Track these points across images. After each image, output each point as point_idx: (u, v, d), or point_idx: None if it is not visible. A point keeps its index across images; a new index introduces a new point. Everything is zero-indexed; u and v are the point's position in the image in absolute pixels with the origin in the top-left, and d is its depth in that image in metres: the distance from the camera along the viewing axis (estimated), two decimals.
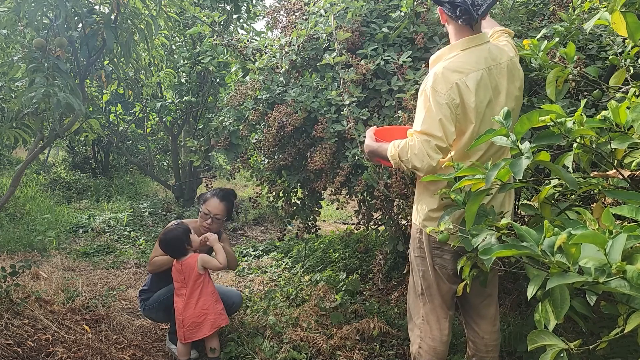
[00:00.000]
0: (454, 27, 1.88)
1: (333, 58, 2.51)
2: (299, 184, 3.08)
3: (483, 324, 2.12)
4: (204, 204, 2.88)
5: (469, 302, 2.12)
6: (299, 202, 3.22)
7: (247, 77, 3.13)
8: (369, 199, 3.05)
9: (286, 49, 2.86)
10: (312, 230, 3.35)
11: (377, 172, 2.45)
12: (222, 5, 5.80)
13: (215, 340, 2.73)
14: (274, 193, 3.12)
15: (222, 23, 5.25)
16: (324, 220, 6.68)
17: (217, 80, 6.16)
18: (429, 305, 2.03)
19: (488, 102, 1.81)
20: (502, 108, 1.79)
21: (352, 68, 2.50)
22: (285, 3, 3.13)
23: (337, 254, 4.20)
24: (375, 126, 2.16)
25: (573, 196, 1.77)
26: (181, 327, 2.65)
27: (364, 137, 2.13)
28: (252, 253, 5.02)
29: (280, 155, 2.90)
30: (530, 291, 1.33)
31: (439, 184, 1.85)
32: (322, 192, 2.98)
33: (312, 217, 3.26)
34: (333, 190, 2.82)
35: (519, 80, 1.92)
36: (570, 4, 2.39)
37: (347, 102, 2.42)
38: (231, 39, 3.43)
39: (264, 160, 3.11)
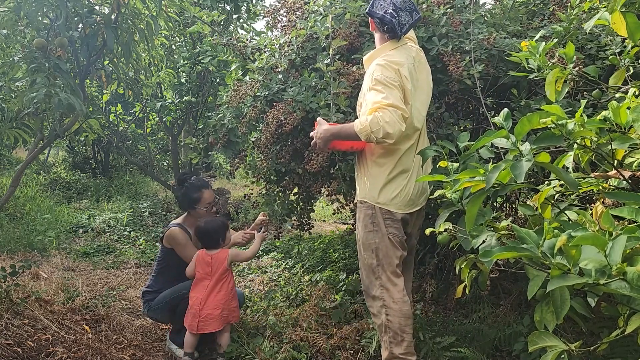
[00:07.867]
0: (380, 35, 2.24)
1: (326, 66, 2.51)
2: (295, 183, 3.09)
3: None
4: (199, 202, 2.90)
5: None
6: (294, 199, 3.23)
7: (247, 77, 3.12)
8: None
9: (285, 49, 2.86)
10: (306, 228, 3.36)
11: None
12: (222, 5, 5.79)
13: (225, 337, 2.74)
14: (270, 191, 3.12)
15: (222, 23, 5.25)
16: (324, 220, 6.67)
17: (217, 80, 6.14)
18: (384, 274, 2.24)
19: (415, 91, 2.17)
20: (423, 94, 2.25)
21: (343, 80, 2.50)
22: (285, 3, 3.13)
23: (337, 254, 4.20)
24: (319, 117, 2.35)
25: (573, 196, 1.77)
26: (196, 318, 2.64)
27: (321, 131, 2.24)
28: None
29: (277, 154, 2.91)
30: (531, 292, 1.33)
31: (386, 159, 2.17)
32: (318, 193, 3.01)
33: (305, 215, 3.28)
34: (328, 192, 2.84)
35: (429, 73, 2.34)
36: (569, 4, 2.39)
37: (335, 119, 2.46)
38: (231, 39, 3.43)
39: (260, 157, 3.11)
